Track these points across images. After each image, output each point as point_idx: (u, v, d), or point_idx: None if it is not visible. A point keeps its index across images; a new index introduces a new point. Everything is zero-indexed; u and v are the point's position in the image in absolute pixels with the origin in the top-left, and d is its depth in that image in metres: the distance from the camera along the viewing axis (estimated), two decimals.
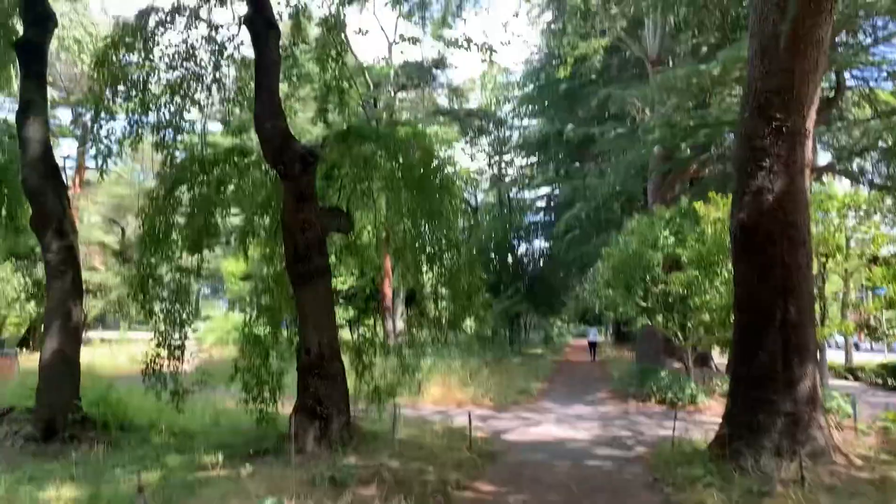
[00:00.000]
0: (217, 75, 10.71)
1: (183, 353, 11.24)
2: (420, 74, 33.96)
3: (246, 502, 7.17)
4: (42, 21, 11.77)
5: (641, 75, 27.24)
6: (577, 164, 35.93)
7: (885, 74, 19.33)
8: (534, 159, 42.67)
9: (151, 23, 10.11)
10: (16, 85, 13.87)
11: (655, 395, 18.31)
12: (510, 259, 38.06)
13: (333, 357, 10.61)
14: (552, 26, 32.51)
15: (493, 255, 36.00)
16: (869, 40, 19.54)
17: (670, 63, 24.51)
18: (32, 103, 11.54)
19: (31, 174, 11.38)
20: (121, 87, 10.15)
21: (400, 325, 29.57)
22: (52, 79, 28.90)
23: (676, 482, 8.76)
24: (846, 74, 19.25)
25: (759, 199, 9.36)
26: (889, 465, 8.91)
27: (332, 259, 14.32)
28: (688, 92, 19.98)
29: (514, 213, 40.24)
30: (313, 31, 12.29)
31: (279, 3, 11.34)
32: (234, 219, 14.90)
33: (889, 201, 18.95)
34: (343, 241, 13.38)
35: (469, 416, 11.95)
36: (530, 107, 39.87)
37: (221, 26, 10.65)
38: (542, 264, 40.13)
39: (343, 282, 29.07)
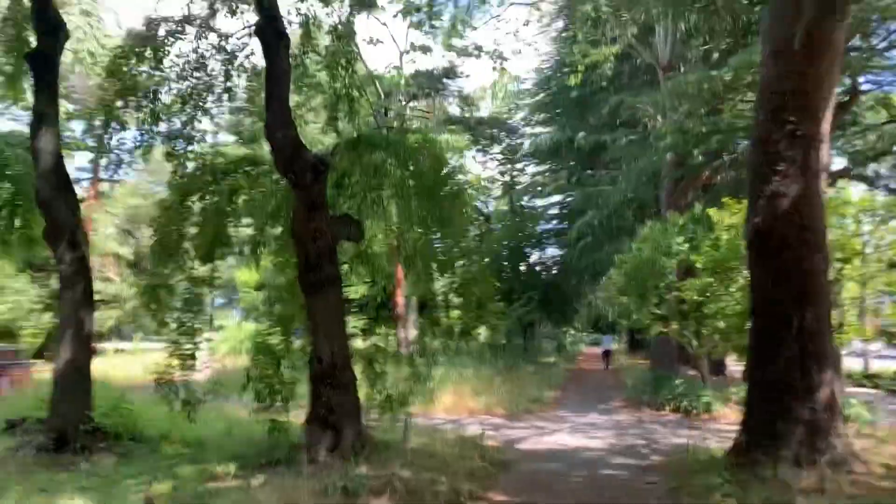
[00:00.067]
0: (228, 85, 10.73)
1: (195, 362, 11.20)
2: (431, 83, 33.98)
3: None
4: (53, 32, 11.82)
5: (653, 82, 27.14)
6: (590, 171, 35.81)
7: None
8: (545, 167, 42.62)
9: (161, 32, 10.15)
10: (30, 97, 13.96)
11: (670, 403, 18.15)
12: (523, 267, 37.92)
13: (345, 366, 10.54)
14: (563, 34, 32.53)
15: (505, 263, 35.88)
16: (883, 44, 19.35)
17: (681, 69, 24.37)
18: (45, 115, 11.59)
19: (43, 186, 11.42)
20: (131, 98, 10.17)
21: (412, 333, 29.49)
22: (66, 91, 29.18)
23: (693, 492, 8.61)
24: (860, 78, 19.07)
25: (775, 204, 9.24)
26: None
27: (344, 268, 14.34)
28: (700, 98, 19.85)
29: (526, 221, 40.04)
30: (324, 41, 12.29)
31: (289, 13, 11.39)
32: (247, 229, 14.91)
33: None
34: (354, 249, 13.34)
35: (482, 424, 11.89)
36: (542, 115, 39.90)
37: (231, 35, 10.69)
38: (554, 272, 39.96)
39: (355, 291, 29.04)
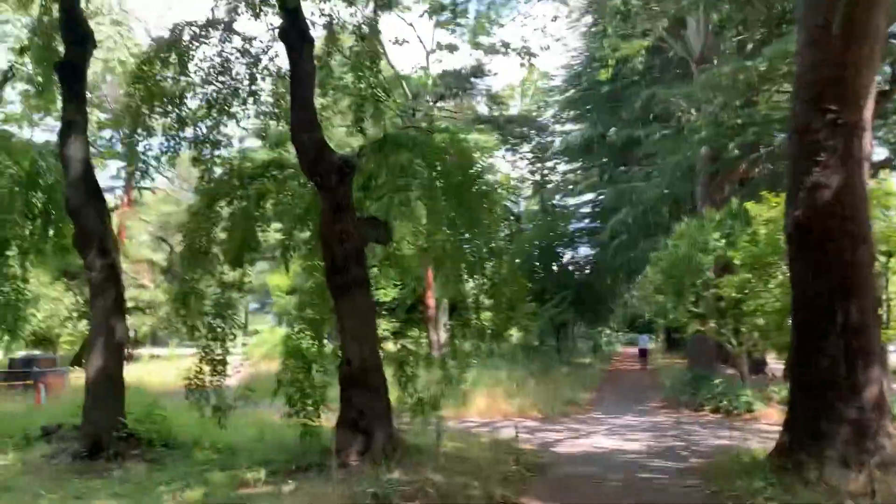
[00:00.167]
0: (253, 88, 10.70)
1: (225, 368, 11.19)
2: (459, 83, 33.86)
3: None
4: (81, 42, 11.93)
5: (685, 75, 26.69)
6: (622, 167, 35.34)
7: None
8: (577, 165, 42.19)
9: (186, 37, 10.16)
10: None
11: (709, 403, 17.78)
12: (555, 267, 37.54)
13: (375, 369, 10.45)
14: (592, 29, 32.17)
15: (537, 263, 35.56)
16: None
17: (715, 61, 23.88)
18: (73, 123, 11.70)
19: (72, 194, 11.51)
20: (157, 104, 10.19)
21: (444, 336, 29.38)
22: (99, 101, 29.70)
23: (735, 495, 8.31)
24: None
25: (815, 196, 8.89)
26: None
27: (374, 271, 14.25)
28: (734, 89, 19.44)
29: (558, 221, 39.63)
30: (348, 41, 12.22)
31: (312, 14, 11.32)
32: (276, 233, 14.93)
33: None
34: (383, 252, 13.25)
35: (516, 427, 11.69)
36: (572, 111, 39.49)
37: (255, 38, 10.66)
38: (588, 271, 39.53)
39: (385, 294, 29.00)
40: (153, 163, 10.52)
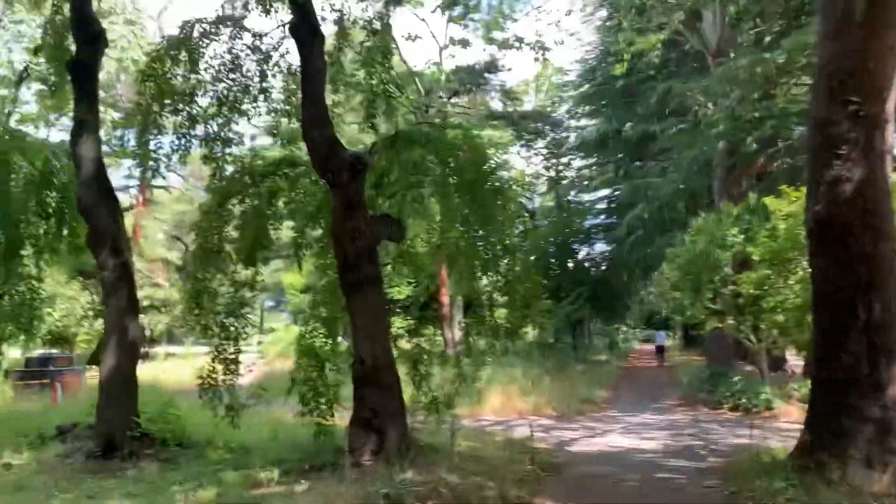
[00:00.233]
0: (263, 85, 10.61)
1: (238, 366, 11.12)
2: (472, 79, 33.70)
3: None
4: (93, 41, 11.92)
5: (702, 68, 26.36)
6: (638, 163, 35.07)
7: None
8: (592, 160, 41.93)
9: (196, 34, 10.08)
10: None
11: (728, 400, 17.55)
12: (571, 264, 37.30)
13: (388, 367, 10.36)
14: (607, 23, 31.91)
15: (552, 260, 35.33)
16: None
17: (732, 54, 23.57)
18: (85, 122, 11.69)
19: (84, 193, 11.50)
20: (168, 101, 10.13)
21: (458, 333, 29.26)
22: (113, 100, 29.85)
23: (756, 496, 8.12)
24: None
25: (836, 190, 8.67)
26: None
27: (387, 268, 14.15)
28: (752, 83, 19.18)
29: (573, 217, 39.37)
30: (359, 37, 12.11)
31: (323, 9, 11.23)
32: (290, 232, 14.87)
33: None
34: (397, 249, 13.16)
35: (531, 426, 11.56)
36: (587, 106, 39.23)
37: (266, 34, 10.56)
38: (604, 268, 39.24)
39: (399, 291, 28.92)
40: (164, 161, 10.39)
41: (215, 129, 10.33)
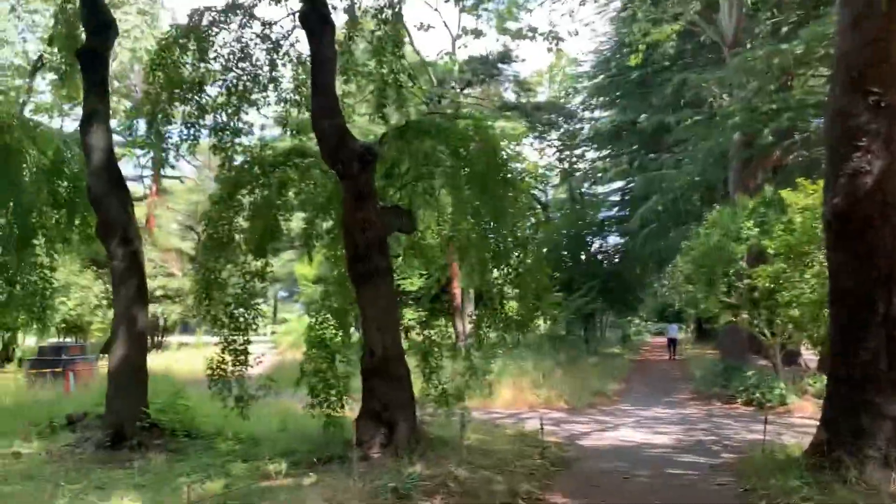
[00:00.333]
0: (273, 75, 10.53)
1: (247, 357, 11.08)
2: (485, 69, 33.47)
3: None
4: (103, 30, 11.85)
5: (718, 59, 26.04)
6: (652, 155, 34.71)
7: None
8: (606, 152, 41.56)
9: (205, 22, 10.00)
10: None
11: (741, 395, 17.40)
12: (583, 256, 37.09)
13: (398, 359, 10.29)
14: (621, 13, 31.58)
15: (564, 252, 35.14)
16: None
17: (748, 45, 23.25)
18: (95, 111, 11.63)
19: (95, 182, 11.47)
20: (177, 91, 10.06)
21: (469, 325, 29.17)
22: (127, 91, 29.89)
23: (769, 495, 7.95)
24: None
25: (856, 182, 8.49)
26: None
27: (398, 260, 14.07)
28: (769, 74, 18.96)
29: (586, 209, 39.10)
30: (370, 26, 11.99)
31: None
32: (300, 222, 14.82)
33: None
34: (408, 241, 13.08)
35: (541, 419, 11.46)
36: (601, 98, 38.89)
37: (275, 23, 10.46)
38: (617, 260, 38.99)
39: (411, 283, 28.85)
40: (173, 150, 10.34)
41: (224, 118, 10.27)
